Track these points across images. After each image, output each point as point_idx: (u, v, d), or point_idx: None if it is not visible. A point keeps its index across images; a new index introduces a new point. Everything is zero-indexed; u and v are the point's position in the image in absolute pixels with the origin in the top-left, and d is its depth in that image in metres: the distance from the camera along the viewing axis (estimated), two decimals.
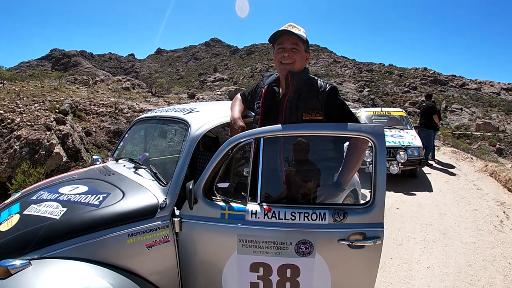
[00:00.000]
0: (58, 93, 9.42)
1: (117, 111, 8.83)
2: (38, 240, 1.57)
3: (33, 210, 1.80)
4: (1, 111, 6.46)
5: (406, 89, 52.93)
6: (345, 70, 62.36)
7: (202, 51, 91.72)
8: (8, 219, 1.80)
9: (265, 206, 1.66)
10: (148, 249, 1.68)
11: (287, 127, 1.72)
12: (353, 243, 1.61)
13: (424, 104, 8.44)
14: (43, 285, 1.39)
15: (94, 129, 7.75)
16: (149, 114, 2.95)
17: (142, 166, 2.28)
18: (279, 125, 1.72)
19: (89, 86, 13.49)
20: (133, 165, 2.36)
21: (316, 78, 1.90)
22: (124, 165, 2.43)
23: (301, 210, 1.65)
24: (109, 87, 14.46)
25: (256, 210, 1.66)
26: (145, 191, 1.89)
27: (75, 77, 15.57)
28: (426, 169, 7.63)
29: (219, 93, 20.55)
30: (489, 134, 29.76)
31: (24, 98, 7.67)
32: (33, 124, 6.06)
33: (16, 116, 6.37)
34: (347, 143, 1.84)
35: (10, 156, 5.26)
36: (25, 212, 1.80)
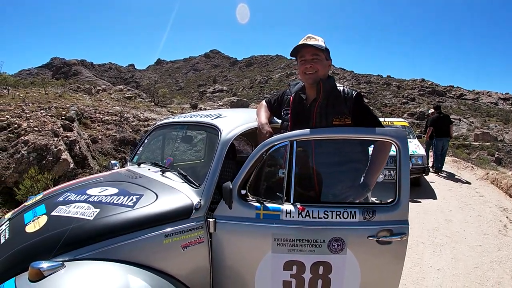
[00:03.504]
0: (63, 100, 9.47)
1: (122, 119, 8.89)
2: (71, 241, 1.53)
3: (62, 211, 1.76)
4: (8, 116, 6.45)
5: (404, 100, 53.47)
6: (344, 82, 62.99)
7: (201, 63, 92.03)
8: (34, 220, 1.75)
9: (299, 206, 1.73)
10: (183, 250, 1.70)
11: (318, 131, 1.81)
12: (381, 239, 1.70)
13: (440, 114, 8.56)
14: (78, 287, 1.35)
15: (100, 137, 7.78)
16: (170, 120, 2.99)
17: (169, 170, 2.32)
18: (311, 129, 1.80)
19: (92, 94, 13.52)
20: (159, 168, 2.40)
21: (339, 85, 2.00)
22: (149, 169, 2.47)
23: (333, 209, 1.72)
24: (112, 96, 14.52)
25: (290, 210, 1.72)
26: (178, 192, 1.92)
27: (78, 86, 15.63)
28: (428, 178, 7.74)
29: (220, 103, 20.67)
30: (487, 144, 29.73)
31: (30, 104, 7.69)
32: (40, 129, 6.05)
33: (22, 121, 6.35)
34: (372, 146, 1.93)
35: (17, 161, 5.19)
36: (53, 213, 1.76)
